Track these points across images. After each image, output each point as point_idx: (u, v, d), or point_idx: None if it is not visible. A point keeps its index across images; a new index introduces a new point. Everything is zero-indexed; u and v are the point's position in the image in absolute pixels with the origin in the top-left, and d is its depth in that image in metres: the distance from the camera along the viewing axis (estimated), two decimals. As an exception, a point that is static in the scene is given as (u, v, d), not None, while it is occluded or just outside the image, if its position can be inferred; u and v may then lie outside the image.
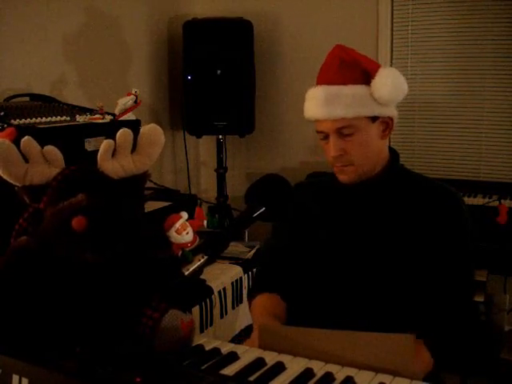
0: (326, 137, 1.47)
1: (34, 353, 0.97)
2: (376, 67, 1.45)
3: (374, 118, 1.45)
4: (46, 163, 1.13)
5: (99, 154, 1.16)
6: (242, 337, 2.36)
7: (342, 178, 1.50)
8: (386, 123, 1.48)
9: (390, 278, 1.43)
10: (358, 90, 1.43)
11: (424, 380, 1.04)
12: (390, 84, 1.42)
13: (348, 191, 1.52)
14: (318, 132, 1.49)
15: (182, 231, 1.25)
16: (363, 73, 1.44)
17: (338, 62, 1.46)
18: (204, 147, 3.97)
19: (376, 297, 1.44)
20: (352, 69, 1.45)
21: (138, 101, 2.27)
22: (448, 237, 1.44)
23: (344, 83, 1.43)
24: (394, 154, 1.55)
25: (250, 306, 1.62)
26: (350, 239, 1.49)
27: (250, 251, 2.57)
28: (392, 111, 1.47)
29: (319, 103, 1.44)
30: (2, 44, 2.44)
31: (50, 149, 1.14)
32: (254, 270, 1.83)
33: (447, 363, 1.40)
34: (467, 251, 1.47)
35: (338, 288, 1.48)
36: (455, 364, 1.51)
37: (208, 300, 2.16)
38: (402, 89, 1.45)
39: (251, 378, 1.02)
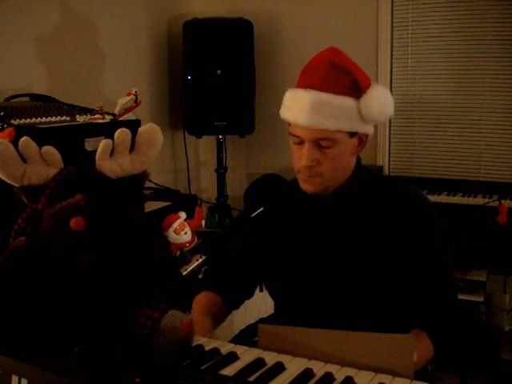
0: (301, 143, 1.41)
1: (34, 353, 0.97)
2: (368, 81, 1.39)
3: (352, 134, 1.40)
4: (44, 163, 1.13)
5: (97, 154, 1.16)
6: (242, 337, 2.36)
7: (306, 187, 1.45)
8: (361, 139, 1.44)
9: (359, 285, 1.42)
10: (346, 102, 1.37)
11: (424, 380, 1.04)
12: (381, 104, 1.37)
13: (313, 199, 1.48)
14: (291, 135, 1.43)
15: (181, 231, 1.24)
16: (353, 84, 1.38)
17: (328, 66, 1.39)
18: (204, 147, 3.97)
19: (347, 306, 1.43)
20: (343, 77, 1.38)
21: (138, 101, 2.27)
22: (416, 236, 1.43)
23: (333, 92, 1.36)
24: (358, 161, 1.51)
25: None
26: (316, 248, 1.48)
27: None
28: (370, 128, 1.43)
29: (304, 108, 1.36)
30: (2, 44, 2.44)
31: (48, 149, 1.14)
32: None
33: (442, 354, 1.41)
34: (438, 246, 1.46)
35: (308, 297, 1.48)
36: (454, 357, 1.50)
37: (208, 300, 2.16)
38: (390, 110, 1.41)
39: (251, 379, 1.02)
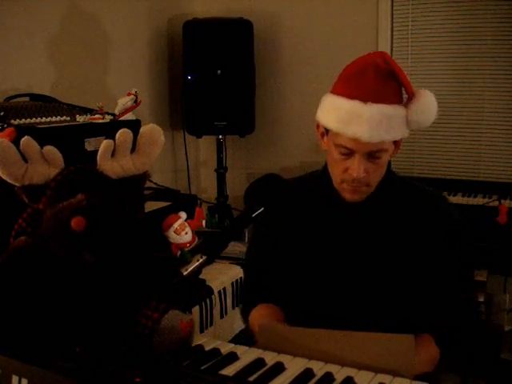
0: (350, 154, 1.35)
1: (34, 353, 0.97)
2: (411, 86, 1.34)
3: (396, 141, 1.38)
4: (45, 163, 1.13)
5: (99, 154, 1.16)
6: (242, 337, 2.36)
7: (351, 197, 1.41)
8: (398, 143, 1.41)
9: (388, 287, 1.41)
10: (399, 111, 1.32)
11: (423, 380, 1.04)
12: (430, 111, 1.34)
13: (341, 203, 1.45)
14: (339, 146, 1.35)
15: (181, 231, 1.25)
16: (401, 90, 1.34)
17: (378, 73, 1.32)
18: (204, 147, 3.97)
19: (374, 306, 1.42)
20: (392, 83, 1.33)
21: (138, 101, 2.27)
22: (439, 239, 1.43)
23: (387, 102, 1.31)
24: (388, 164, 1.48)
25: (246, 322, 1.57)
26: (344, 251, 1.46)
27: (249, 251, 2.56)
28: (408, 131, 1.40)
29: (365, 124, 1.29)
30: (2, 44, 2.44)
31: (50, 149, 1.14)
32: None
33: (451, 357, 1.41)
34: (463, 251, 1.47)
35: (335, 297, 1.45)
36: (457, 358, 1.49)
37: (208, 300, 2.16)
38: (434, 115, 1.37)
39: (251, 379, 1.02)
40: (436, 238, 1.42)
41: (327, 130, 1.40)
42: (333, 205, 1.47)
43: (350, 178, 1.36)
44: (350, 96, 1.32)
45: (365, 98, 1.30)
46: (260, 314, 1.48)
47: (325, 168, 1.50)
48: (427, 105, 1.34)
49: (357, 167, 1.34)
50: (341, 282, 1.44)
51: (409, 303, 1.41)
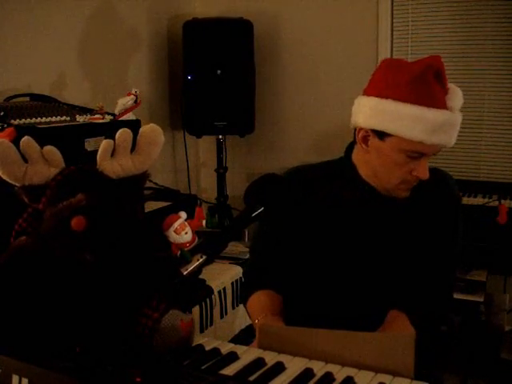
0: (418, 157, 1.40)
1: (34, 353, 0.97)
2: None
3: None
4: (45, 163, 1.13)
5: (98, 154, 1.16)
6: (242, 337, 2.36)
7: (406, 195, 1.46)
8: None
9: (392, 274, 1.45)
10: (445, 114, 1.37)
11: (423, 380, 1.04)
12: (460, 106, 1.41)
13: (366, 195, 1.50)
14: (407, 151, 1.39)
15: (181, 231, 1.25)
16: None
17: (436, 79, 1.36)
18: (204, 147, 3.97)
19: (376, 292, 1.46)
20: (445, 88, 1.39)
21: (138, 101, 2.27)
22: (442, 223, 1.49)
23: (446, 106, 1.37)
24: None
25: (245, 305, 1.60)
26: (356, 237, 1.49)
27: (249, 251, 2.56)
28: None
29: (451, 130, 1.38)
30: (2, 44, 2.44)
31: (50, 149, 1.14)
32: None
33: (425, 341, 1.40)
34: (458, 235, 1.53)
35: (341, 284, 1.48)
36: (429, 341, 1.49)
37: (208, 300, 2.16)
38: None
39: (251, 378, 1.02)
40: (437, 223, 1.48)
41: (381, 135, 1.40)
42: (361, 199, 1.51)
43: (414, 178, 1.42)
44: (406, 99, 1.35)
45: (426, 103, 1.35)
46: (259, 300, 1.51)
47: (346, 161, 1.53)
48: (460, 100, 1.42)
49: (425, 169, 1.40)
50: (343, 269, 1.47)
51: (402, 288, 1.45)
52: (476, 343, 1.63)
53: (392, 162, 1.41)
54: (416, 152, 1.39)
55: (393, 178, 1.44)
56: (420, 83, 1.36)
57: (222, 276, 2.31)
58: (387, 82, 1.40)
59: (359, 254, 1.48)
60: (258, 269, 1.60)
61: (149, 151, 1.18)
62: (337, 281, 1.49)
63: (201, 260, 1.22)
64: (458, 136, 1.43)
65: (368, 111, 1.42)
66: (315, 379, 1.03)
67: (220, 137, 3.56)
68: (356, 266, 1.47)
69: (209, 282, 2.19)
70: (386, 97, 1.38)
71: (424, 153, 1.39)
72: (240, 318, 2.41)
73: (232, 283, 2.35)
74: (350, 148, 1.56)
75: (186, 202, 2.73)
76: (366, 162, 1.49)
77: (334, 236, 1.50)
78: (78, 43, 2.87)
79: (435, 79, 1.36)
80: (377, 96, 1.40)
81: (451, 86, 1.41)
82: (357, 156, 1.52)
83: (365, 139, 1.45)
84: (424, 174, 1.41)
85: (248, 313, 1.57)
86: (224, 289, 2.28)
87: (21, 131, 1.51)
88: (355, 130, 1.48)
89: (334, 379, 1.03)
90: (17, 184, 1.12)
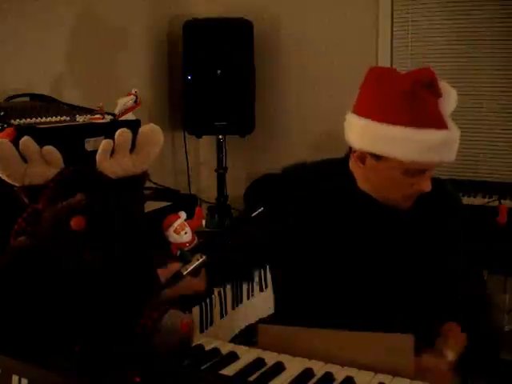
0: (420, 172, 1.38)
1: (34, 353, 0.97)
2: None
3: None
4: (44, 163, 1.13)
5: (98, 154, 1.16)
6: (241, 337, 2.36)
7: (407, 205, 1.44)
8: None
9: (403, 285, 1.43)
10: None
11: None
12: None
13: (374, 205, 1.47)
14: (409, 170, 1.36)
15: (181, 231, 1.25)
16: None
17: (435, 98, 1.35)
18: (204, 147, 3.97)
19: (391, 304, 1.43)
20: (439, 95, 1.37)
21: (138, 101, 2.27)
22: (453, 237, 1.50)
23: (442, 123, 1.35)
24: None
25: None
26: (363, 250, 1.45)
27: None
28: None
29: (452, 147, 1.36)
30: (2, 44, 2.44)
31: (49, 149, 1.14)
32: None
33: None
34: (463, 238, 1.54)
35: (351, 297, 1.45)
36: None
37: (208, 300, 2.16)
38: None
39: (251, 378, 1.02)
40: (448, 236, 1.49)
41: (377, 156, 1.38)
42: (360, 207, 1.48)
43: (416, 192, 1.40)
44: (419, 123, 1.31)
45: (444, 124, 1.33)
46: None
47: (347, 174, 1.50)
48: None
49: (427, 182, 1.38)
50: (366, 285, 1.44)
51: (430, 300, 1.44)
52: (476, 343, 1.64)
53: (391, 180, 1.39)
54: (414, 170, 1.36)
55: (393, 194, 1.42)
56: (411, 102, 1.31)
57: (222, 276, 2.30)
58: (377, 103, 1.35)
59: (369, 267, 1.44)
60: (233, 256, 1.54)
61: (148, 151, 1.18)
62: (347, 294, 1.44)
63: (201, 260, 1.22)
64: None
65: (360, 132, 1.38)
66: (315, 379, 1.03)
67: (220, 137, 3.56)
68: (366, 279, 1.43)
69: (209, 282, 2.19)
70: (378, 119, 1.33)
71: (423, 169, 1.37)
72: (240, 318, 2.41)
73: (232, 283, 2.34)
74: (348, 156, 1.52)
75: (185, 201, 2.72)
76: (365, 178, 1.46)
77: (340, 250, 1.45)
78: (78, 43, 2.86)
79: (428, 92, 1.32)
80: (367, 117, 1.35)
81: (444, 86, 1.37)
82: (355, 170, 1.48)
83: (361, 159, 1.42)
84: (426, 187, 1.39)
85: None
86: (224, 289, 2.27)
87: (21, 131, 1.51)
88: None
89: (333, 379, 1.03)
90: (16, 184, 1.12)
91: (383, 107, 1.34)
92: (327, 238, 1.46)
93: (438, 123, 1.33)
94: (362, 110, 1.38)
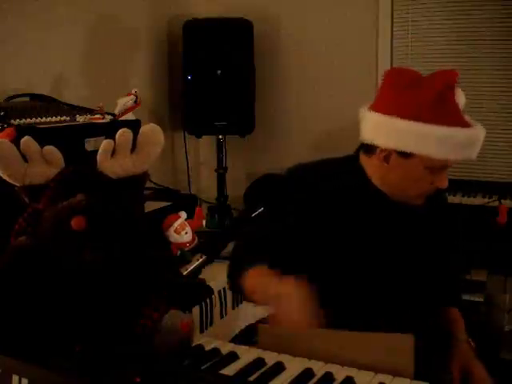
0: (441, 170, 1.44)
1: (34, 353, 0.97)
2: None
3: None
4: (45, 163, 1.13)
5: (99, 154, 1.16)
6: (242, 337, 2.36)
7: (421, 202, 1.49)
8: None
9: (416, 274, 1.51)
10: None
11: (423, 380, 1.04)
12: None
13: (387, 202, 1.50)
14: (433, 166, 1.41)
15: (181, 231, 1.25)
16: None
17: (455, 99, 1.45)
18: (204, 147, 3.97)
19: (403, 299, 1.48)
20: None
21: (138, 101, 2.27)
22: (447, 222, 1.62)
23: (467, 123, 1.43)
24: None
25: (234, 285, 1.50)
26: (389, 245, 1.49)
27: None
28: None
29: (477, 145, 1.41)
30: (2, 44, 2.44)
31: (50, 149, 1.14)
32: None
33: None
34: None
35: (369, 288, 1.47)
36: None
37: (208, 300, 2.16)
38: None
39: (251, 378, 1.02)
40: (443, 221, 1.61)
41: (406, 154, 1.41)
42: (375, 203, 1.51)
43: (434, 188, 1.46)
44: (449, 122, 1.37)
45: (468, 123, 1.41)
46: (263, 271, 1.37)
47: (357, 172, 1.52)
48: None
49: (446, 178, 1.45)
50: (384, 272, 1.47)
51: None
52: (476, 343, 1.64)
53: (415, 177, 1.43)
54: (439, 167, 1.41)
55: (413, 191, 1.46)
56: (443, 102, 1.39)
57: (222, 276, 2.30)
58: (406, 102, 1.39)
59: (384, 261, 1.47)
60: (254, 250, 1.47)
61: (149, 151, 1.18)
62: (365, 285, 1.46)
63: (201, 260, 1.22)
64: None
65: (389, 132, 1.40)
66: (315, 379, 1.03)
67: (220, 137, 3.56)
68: (381, 270, 1.46)
69: (209, 282, 2.19)
70: (408, 117, 1.37)
71: (449, 165, 1.43)
72: (240, 318, 2.41)
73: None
74: (358, 151, 1.54)
75: (185, 201, 2.72)
76: (382, 175, 1.48)
77: (355, 246, 1.46)
78: (78, 43, 2.87)
79: (452, 93, 1.41)
80: (396, 116, 1.38)
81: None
82: (370, 168, 1.50)
83: (386, 158, 1.44)
84: (444, 184, 1.44)
85: (242, 289, 1.44)
86: (224, 289, 2.27)
87: (21, 131, 1.51)
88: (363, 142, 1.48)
89: (334, 379, 1.03)
90: (17, 184, 1.12)
91: (414, 107, 1.38)
92: (341, 235, 1.47)
93: (464, 122, 1.40)
94: (388, 110, 1.41)
